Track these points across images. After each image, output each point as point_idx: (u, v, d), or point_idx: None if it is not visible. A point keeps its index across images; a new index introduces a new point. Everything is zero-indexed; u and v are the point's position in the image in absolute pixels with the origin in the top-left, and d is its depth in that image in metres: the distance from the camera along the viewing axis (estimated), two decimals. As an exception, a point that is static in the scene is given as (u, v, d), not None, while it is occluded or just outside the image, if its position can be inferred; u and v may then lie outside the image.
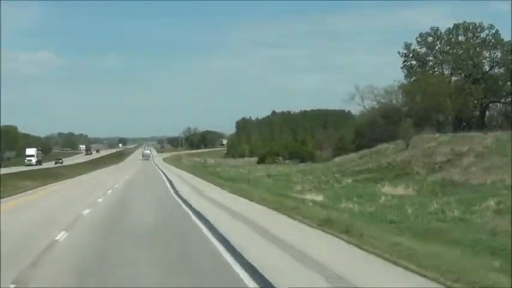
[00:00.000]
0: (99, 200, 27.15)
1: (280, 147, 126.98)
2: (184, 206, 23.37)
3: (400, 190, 32.79)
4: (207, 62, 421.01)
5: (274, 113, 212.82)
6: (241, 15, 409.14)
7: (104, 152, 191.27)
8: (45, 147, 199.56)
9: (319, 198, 27.59)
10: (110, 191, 33.34)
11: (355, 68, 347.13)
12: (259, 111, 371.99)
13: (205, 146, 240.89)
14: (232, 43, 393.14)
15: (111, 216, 20.90)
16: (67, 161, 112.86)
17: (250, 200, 24.07)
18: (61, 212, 22.15)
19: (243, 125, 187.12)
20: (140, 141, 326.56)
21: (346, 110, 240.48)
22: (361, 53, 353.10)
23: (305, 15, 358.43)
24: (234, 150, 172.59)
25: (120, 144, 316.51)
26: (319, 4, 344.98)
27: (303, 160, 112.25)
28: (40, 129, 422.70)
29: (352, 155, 72.68)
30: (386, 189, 33.36)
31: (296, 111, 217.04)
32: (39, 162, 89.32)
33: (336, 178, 45.20)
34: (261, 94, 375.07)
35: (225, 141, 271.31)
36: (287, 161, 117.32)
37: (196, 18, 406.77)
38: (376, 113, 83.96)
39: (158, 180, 45.17)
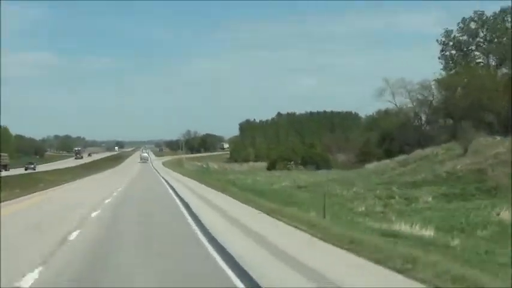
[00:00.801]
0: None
1: (288, 151, 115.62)
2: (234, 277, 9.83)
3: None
4: (205, 65, 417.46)
5: (279, 114, 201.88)
6: (241, 17, 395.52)
7: (97, 156, 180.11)
8: (40, 149, 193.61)
9: (427, 232, 16.58)
10: (77, 233, 15.25)
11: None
12: (261, 113, 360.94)
13: (206, 150, 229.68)
14: (232, 43, 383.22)
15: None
16: (57, 165, 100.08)
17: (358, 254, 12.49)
18: None
19: (247, 127, 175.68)
20: (138, 145, 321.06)
21: (353, 112, 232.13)
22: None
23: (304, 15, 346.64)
24: (237, 154, 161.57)
25: (117, 148, 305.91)
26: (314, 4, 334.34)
27: (317, 166, 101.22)
28: (37, 131, 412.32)
29: (387, 161, 61.64)
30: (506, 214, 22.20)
31: (301, 113, 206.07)
32: (4, 168, 76.10)
33: (396, 192, 34.03)
34: (261, 96, 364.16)
35: (226, 145, 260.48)
36: (300, 167, 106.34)
37: (196, 20, 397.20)
38: (409, 112, 72.68)
39: (162, 195, 33.21)
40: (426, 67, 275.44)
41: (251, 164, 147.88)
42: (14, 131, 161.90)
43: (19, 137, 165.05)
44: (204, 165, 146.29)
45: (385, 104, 79.86)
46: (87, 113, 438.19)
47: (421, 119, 71.66)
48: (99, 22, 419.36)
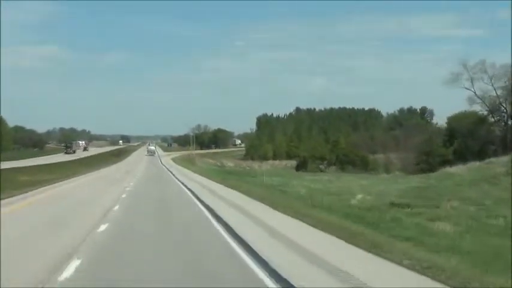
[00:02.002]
0: None
1: (319, 149, 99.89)
2: None
3: None
4: (212, 62, 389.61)
5: (298, 109, 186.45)
6: (251, 17, 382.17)
7: (98, 150, 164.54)
8: (40, 142, 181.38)
9: None
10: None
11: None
12: (275, 109, 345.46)
13: (217, 146, 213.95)
14: (239, 44, 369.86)
15: None
16: (45, 160, 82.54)
17: None
18: None
19: (264, 122, 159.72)
20: (144, 139, 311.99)
21: (376, 109, 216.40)
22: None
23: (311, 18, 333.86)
24: (254, 152, 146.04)
25: (121, 141, 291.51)
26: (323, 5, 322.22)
27: (352, 167, 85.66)
28: (44, 124, 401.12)
29: (476, 164, 46.03)
30: None
31: (321, 109, 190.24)
32: None
33: None
34: (275, 91, 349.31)
35: (238, 141, 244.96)
36: (331, 168, 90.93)
37: (203, 17, 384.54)
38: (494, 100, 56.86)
39: (195, 224, 17.61)
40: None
41: (270, 162, 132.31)
42: (19, 123, 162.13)
43: (19, 129, 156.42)
44: (218, 163, 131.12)
45: (460, 91, 62.88)
46: (95, 107, 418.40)
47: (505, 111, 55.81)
48: (106, 18, 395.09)
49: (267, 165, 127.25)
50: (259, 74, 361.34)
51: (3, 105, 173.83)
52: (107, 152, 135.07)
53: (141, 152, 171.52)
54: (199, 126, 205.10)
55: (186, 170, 62.12)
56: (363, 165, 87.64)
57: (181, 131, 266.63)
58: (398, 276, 9.39)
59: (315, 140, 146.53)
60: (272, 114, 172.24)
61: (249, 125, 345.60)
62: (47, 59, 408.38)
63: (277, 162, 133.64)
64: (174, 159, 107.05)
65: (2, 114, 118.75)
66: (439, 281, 8.93)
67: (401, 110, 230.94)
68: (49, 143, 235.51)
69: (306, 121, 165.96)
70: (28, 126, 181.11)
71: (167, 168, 65.68)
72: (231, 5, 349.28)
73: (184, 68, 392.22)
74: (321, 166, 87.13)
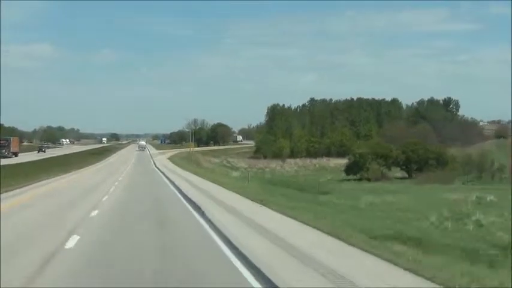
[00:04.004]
0: None
1: (375, 146, 73.57)
2: None
3: None
4: (204, 59, 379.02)
5: (312, 100, 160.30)
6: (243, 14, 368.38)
7: (77, 148, 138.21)
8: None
9: None
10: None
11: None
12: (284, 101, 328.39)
13: (216, 143, 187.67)
14: (230, 41, 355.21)
15: None
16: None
17: None
18: None
19: (277, 114, 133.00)
20: (134, 138, 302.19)
21: (400, 100, 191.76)
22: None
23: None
24: (266, 149, 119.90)
25: (104, 139, 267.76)
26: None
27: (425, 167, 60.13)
28: (32, 122, 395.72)
29: None
30: None
31: (337, 99, 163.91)
32: None
33: None
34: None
35: (239, 137, 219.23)
36: (396, 173, 65.41)
37: (194, 14, 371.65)
38: None
39: None
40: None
41: (291, 161, 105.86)
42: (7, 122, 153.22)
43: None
44: (225, 163, 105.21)
45: None
46: (85, 106, 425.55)
47: None
48: (99, 14, 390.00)
49: (290, 165, 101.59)
50: (249, 70, 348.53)
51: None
52: (88, 150, 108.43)
53: (129, 150, 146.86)
54: (195, 121, 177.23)
55: (205, 182, 34.97)
56: (439, 165, 62.21)
57: (173, 128, 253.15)
58: None
59: (342, 133, 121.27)
60: (284, 105, 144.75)
61: (246, 121, 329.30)
62: (38, 58, 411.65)
63: (298, 161, 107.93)
64: (172, 159, 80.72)
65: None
66: None
67: (420, 102, 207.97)
68: (23, 142, 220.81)
69: (323, 112, 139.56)
70: (17, 125, 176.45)
71: (167, 178, 38.92)
72: (222, 3, 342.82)
73: (176, 66, 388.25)
74: (382, 169, 61.48)
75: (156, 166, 61.86)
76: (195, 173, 46.87)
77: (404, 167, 67.69)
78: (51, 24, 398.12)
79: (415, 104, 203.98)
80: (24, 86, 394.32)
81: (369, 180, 59.66)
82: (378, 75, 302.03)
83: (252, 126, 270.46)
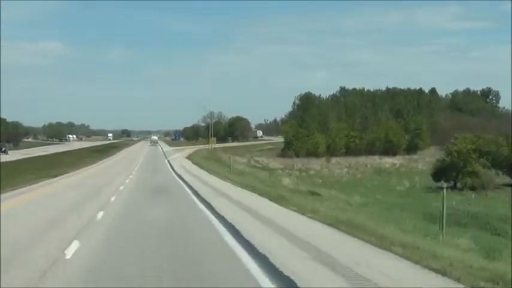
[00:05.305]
0: None
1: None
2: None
3: None
4: (215, 56, 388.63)
5: (343, 90, 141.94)
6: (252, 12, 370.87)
7: (81, 144, 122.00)
8: (16, 136, 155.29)
9: None
10: None
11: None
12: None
13: (234, 139, 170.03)
14: (240, 38, 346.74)
15: None
16: None
17: None
18: None
19: (308, 104, 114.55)
20: (145, 134, 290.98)
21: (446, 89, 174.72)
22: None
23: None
24: (298, 145, 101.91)
25: (110, 135, 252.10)
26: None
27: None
28: (42, 119, 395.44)
29: None
30: None
31: (370, 89, 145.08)
32: None
33: None
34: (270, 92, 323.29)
35: (259, 133, 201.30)
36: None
37: (206, 12, 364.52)
38: None
39: None
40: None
41: (336, 160, 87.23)
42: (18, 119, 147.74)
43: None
44: (254, 162, 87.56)
45: None
46: (97, 102, 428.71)
47: None
48: (111, 12, 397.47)
49: (335, 165, 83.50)
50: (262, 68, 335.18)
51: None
52: (87, 148, 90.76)
53: (138, 147, 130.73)
54: (212, 114, 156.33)
55: (284, 212, 16.90)
56: None
57: (185, 124, 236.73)
58: None
59: (388, 126, 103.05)
60: (314, 94, 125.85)
61: (262, 116, 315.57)
62: (50, 55, 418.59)
63: (340, 159, 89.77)
64: (192, 160, 63.00)
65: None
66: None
67: (455, 93, 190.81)
68: (27, 138, 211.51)
69: (360, 103, 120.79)
70: (27, 122, 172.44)
71: (208, 206, 18.37)
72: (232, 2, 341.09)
73: (187, 63, 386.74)
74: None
75: (174, 171, 44.09)
76: (236, 183, 29.45)
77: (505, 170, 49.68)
78: (63, 22, 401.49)
79: (449, 95, 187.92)
80: (37, 83, 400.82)
81: (472, 189, 41.91)
82: (391, 71, 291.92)
83: (268, 122, 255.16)
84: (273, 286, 7.53)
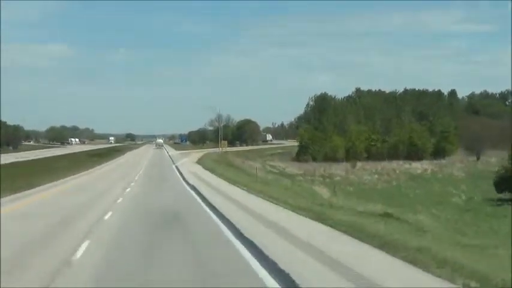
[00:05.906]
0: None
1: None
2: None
3: None
4: (219, 58, 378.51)
5: (359, 91, 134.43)
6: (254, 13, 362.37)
7: (81, 148, 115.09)
8: (15, 139, 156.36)
9: None
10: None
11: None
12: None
13: (244, 143, 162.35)
14: (245, 40, 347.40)
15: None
16: None
17: None
18: None
19: (325, 105, 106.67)
20: (149, 138, 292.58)
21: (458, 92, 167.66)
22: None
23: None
24: (316, 149, 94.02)
25: (112, 138, 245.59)
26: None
27: None
28: (46, 122, 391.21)
29: None
30: None
31: (387, 91, 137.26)
32: None
33: None
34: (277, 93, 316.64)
35: (269, 136, 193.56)
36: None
37: (210, 13, 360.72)
38: None
39: None
40: None
41: (361, 165, 78.79)
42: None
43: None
44: (269, 167, 79.68)
45: None
46: (101, 106, 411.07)
47: None
48: (114, 14, 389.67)
49: (361, 170, 75.46)
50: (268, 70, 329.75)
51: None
52: (80, 152, 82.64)
53: (142, 151, 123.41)
54: (220, 117, 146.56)
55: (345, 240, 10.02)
56: None
57: (190, 128, 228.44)
58: None
59: (412, 129, 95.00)
60: (330, 95, 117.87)
61: (269, 120, 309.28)
62: (54, 57, 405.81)
63: (362, 164, 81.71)
64: (203, 164, 55.09)
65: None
66: None
67: (471, 96, 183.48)
68: (29, 141, 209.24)
69: (379, 104, 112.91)
70: (31, 125, 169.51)
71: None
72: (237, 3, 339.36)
73: (192, 65, 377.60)
74: None
75: (184, 179, 36.10)
76: (278, 201, 21.69)
77: None
78: (68, 24, 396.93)
79: (465, 97, 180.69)
80: (41, 86, 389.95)
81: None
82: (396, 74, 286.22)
83: (276, 125, 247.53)
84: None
